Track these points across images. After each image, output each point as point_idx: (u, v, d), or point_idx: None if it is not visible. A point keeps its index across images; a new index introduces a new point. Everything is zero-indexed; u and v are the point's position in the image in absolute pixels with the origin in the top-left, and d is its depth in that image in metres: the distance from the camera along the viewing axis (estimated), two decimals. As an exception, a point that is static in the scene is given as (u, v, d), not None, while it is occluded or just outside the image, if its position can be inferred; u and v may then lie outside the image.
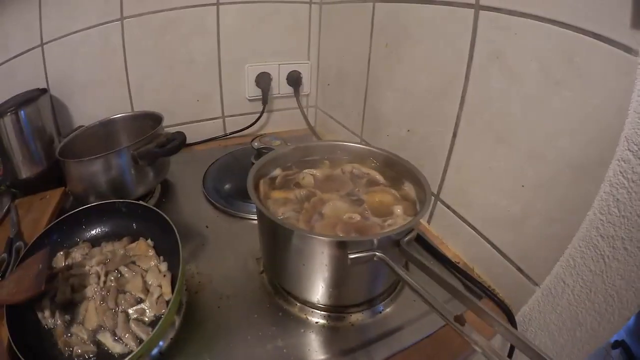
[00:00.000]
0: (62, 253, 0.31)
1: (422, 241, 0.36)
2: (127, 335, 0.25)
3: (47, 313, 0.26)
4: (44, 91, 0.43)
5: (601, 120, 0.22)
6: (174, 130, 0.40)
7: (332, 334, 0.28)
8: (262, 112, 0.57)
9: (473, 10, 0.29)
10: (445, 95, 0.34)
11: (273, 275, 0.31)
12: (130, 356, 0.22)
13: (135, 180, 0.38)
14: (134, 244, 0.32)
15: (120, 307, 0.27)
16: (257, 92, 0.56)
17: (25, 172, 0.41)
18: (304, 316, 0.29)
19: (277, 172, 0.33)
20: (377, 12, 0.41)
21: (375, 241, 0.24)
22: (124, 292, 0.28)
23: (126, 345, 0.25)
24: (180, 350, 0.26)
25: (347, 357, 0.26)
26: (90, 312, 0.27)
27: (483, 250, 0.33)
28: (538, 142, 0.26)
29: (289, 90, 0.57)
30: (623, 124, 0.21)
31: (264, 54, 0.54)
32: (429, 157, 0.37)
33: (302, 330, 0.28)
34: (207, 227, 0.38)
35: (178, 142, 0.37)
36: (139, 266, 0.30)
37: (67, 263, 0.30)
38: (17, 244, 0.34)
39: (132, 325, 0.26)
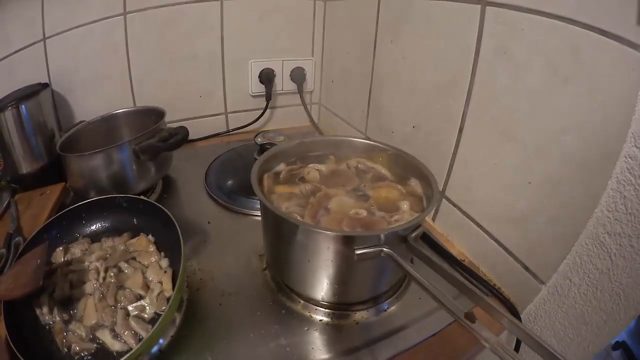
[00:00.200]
0: (61, 248, 0.30)
1: (427, 238, 0.35)
2: (127, 332, 0.25)
3: (45, 309, 0.26)
4: (45, 86, 0.42)
5: (608, 116, 0.22)
6: (177, 126, 0.39)
7: (336, 332, 0.27)
8: (265, 109, 0.56)
9: (480, 5, 0.29)
10: (451, 91, 0.34)
11: (276, 272, 0.31)
12: (129, 354, 0.21)
13: (137, 175, 0.38)
14: (134, 240, 0.31)
15: (119, 304, 0.26)
16: (260, 89, 0.56)
17: (25, 167, 0.40)
18: (308, 314, 0.28)
19: (282, 166, 0.33)
20: (382, 7, 0.41)
21: (383, 237, 0.23)
22: (123, 289, 0.27)
23: (125, 342, 0.24)
24: (181, 348, 0.25)
25: (351, 356, 0.26)
26: (89, 309, 0.26)
27: (488, 247, 0.32)
28: (544, 138, 0.26)
29: (293, 86, 0.57)
30: (630, 121, 0.20)
31: (268, 50, 0.54)
32: (435, 154, 0.36)
33: (306, 329, 0.27)
34: (209, 223, 0.38)
35: (181, 137, 0.37)
36: (139, 262, 0.30)
37: (66, 259, 0.30)
38: (16, 239, 0.33)
39: (132, 322, 0.25)
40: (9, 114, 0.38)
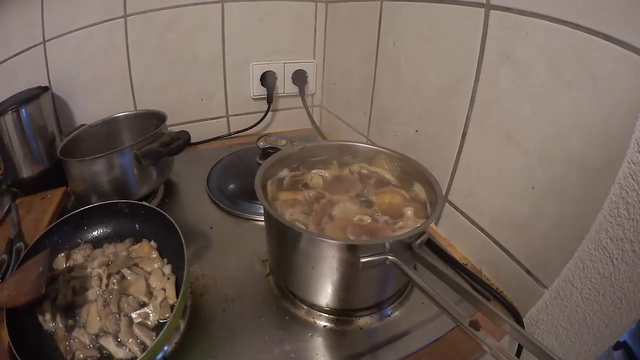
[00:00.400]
0: (63, 254, 0.30)
1: (429, 243, 0.35)
2: (131, 340, 0.24)
3: (47, 316, 0.26)
4: (45, 89, 0.42)
5: (611, 122, 0.22)
6: (178, 129, 0.39)
7: (340, 338, 0.27)
8: (267, 112, 0.56)
9: (484, 9, 0.29)
10: (454, 95, 0.34)
11: (280, 278, 0.31)
12: (134, 362, 0.21)
13: (138, 180, 0.38)
14: (136, 246, 0.31)
15: (123, 311, 0.26)
16: (261, 91, 0.55)
17: (26, 171, 0.40)
18: (312, 320, 0.28)
19: (285, 172, 0.33)
20: (385, 10, 0.41)
21: (388, 245, 0.23)
22: (126, 296, 0.27)
23: (129, 350, 0.24)
24: (185, 355, 0.25)
25: (355, 361, 0.26)
26: (92, 316, 0.26)
27: (491, 252, 0.32)
28: (548, 143, 0.26)
29: (294, 89, 0.57)
30: (633, 126, 0.20)
31: (269, 52, 0.54)
32: (438, 158, 0.36)
33: (310, 334, 0.27)
34: (211, 228, 0.38)
35: (182, 142, 0.37)
36: (142, 268, 0.29)
37: (68, 265, 0.30)
38: (18, 244, 0.33)
39: (136, 329, 0.25)
40: (9, 117, 0.38)
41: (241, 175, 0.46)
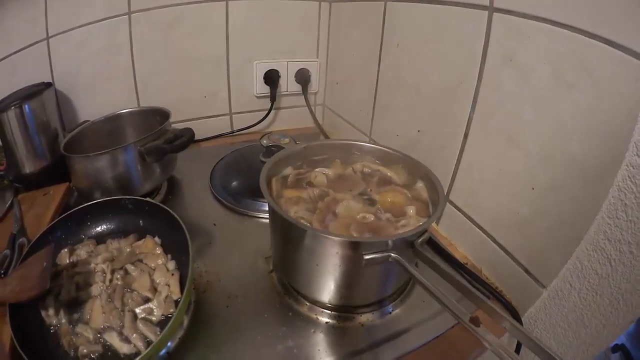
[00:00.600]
0: (66, 250, 0.30)
1: (431, 242, 0.35)
2: (135, 335, 0.25)
3: (51, 311, 0.26)
4: (48, 85, 0.42)
5: (611, 125, 0.22)
6: (181, 127, 0.39)
7: (342, 334, 0.28)
8: (269, 110, 0.56)
9: (487, 12, 0.29)
10: (457, 96, 0.34)
11: (284, 275, 0.31)
12: (139, 358, 0.21)
13: (142, 176, 0.38)
14: (140, 242, 0.31)
15: (127, 306, 0.26)
16: (265, 90, 0.56)
17: (28, 166, 0.40)
18: (314, 316, 0.29)
19: (289, 170, 0.33)
20: (389, 11, 0.41)
21: (390, 242, 0.24)
22: (130, 291, 0.28)
23: (134, 345, 0.24)
24: (189, 351, 0.26)
25: (356, 357, 0.26)
26: (96, 311, 0.26)
27: (491, 251, 0.33)
28: (549, 145, 0.27)
29: (297, 88, 0.57)
30: (633, 130, 0.21)
31: (273, 51, 0.54)
32: (440, 158, 0.37)
33: (312, 331, 0.28)
34: (214, 225, 0.38)
35: (186, 139, 0.37)
36: (146, 264, 0.30)
37: (71, 260, 0.30)
38: (20, 240, 0.33)
39: (140, 325, 0.25)
40: (12, 113, 0.37)
41: (244, 172, 0.46)
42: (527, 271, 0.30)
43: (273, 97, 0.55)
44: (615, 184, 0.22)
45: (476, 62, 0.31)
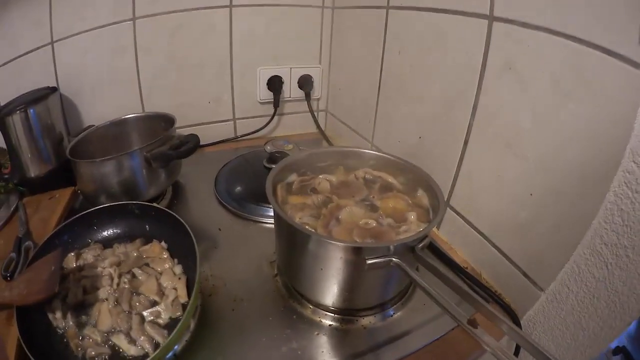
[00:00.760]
0: (73, 254, 0.31)
1: (431, 246, 0.36)
2: (143, 337, 0.25)
3: (58, 314, 0.26)
4: (54, 90, 0.42)
5: (608, 132, 0.23)
6: (185, 132, 0.40)
7: (345, 336, 0.28)
8: (273, 115, 0.57)
9: (487, 21, 0.30)
10: (457, 103, 0.35)
11: (288, 279, 0.32)
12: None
13: (147, 181, 0.38)
14: (147, 246, 0.32)
15: (134, 310, 0.27)
16: (268, 96, 0.56)
17: (33, 170, 0.41)
18: (318, 319, 0.29)
19: (293, 177, 0.33)
20: (391, 18, 0.42)
21: (392, 247, 0.24)
22: (138, 294, 0.28)
23: (141, 347, 0.25)
24: (195, 353, 0.26)
25: (359, 359, 0.27)
26: (104, 314, 0.27)
27: (490, 255, 0.33)
28: (547, 152, 0.27)
29: (300, 93, 0.58)
30: (629, 137, 0.21)
31: (276, 57, 0.54)
32: (440, 164, 0.37)
33: (316, 333, 0.28)
34: (219, 229, 0.38)
35: (192, 145, 0.37)
36: (153, 268, 0.30)
37: (78, 264, 0.30)
38: (26, 243, 0.33)
39: (148, 327, 0.26)
40: (17, 117, 0.38)
41: (248, 178, 0.47)
42: (525, 275, 0.30)
43: (276, 103, 0.56)
44: (612, 189, 0.23)
45: (476, 70, 0.32)
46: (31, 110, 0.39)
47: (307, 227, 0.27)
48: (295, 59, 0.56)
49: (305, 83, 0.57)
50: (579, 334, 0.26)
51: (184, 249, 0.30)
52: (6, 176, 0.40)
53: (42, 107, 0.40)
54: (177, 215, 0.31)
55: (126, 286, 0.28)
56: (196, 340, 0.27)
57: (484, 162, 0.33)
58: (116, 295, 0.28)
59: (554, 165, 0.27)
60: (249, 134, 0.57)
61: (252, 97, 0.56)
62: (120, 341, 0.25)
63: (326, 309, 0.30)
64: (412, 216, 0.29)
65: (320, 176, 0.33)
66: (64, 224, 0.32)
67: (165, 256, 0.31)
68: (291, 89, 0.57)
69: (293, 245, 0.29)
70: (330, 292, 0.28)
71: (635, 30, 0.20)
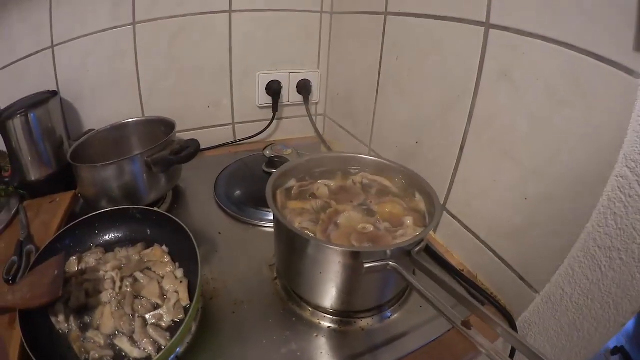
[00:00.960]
0: (75, 258, 0.31)
1: (428, 249, 0.37)
2: (145, 340, 0.26)
3: (61, 318, 0.27)
4: (54, 94, 0.43)
5: (601, 138, 0.23)
6: (184, 135, 0.40)
7: (343, 338, 0.29)
8: (272, 120, 0.57)
9: (483, 28, 0.30)
10: (453, 109, 0.35)
11: (287, 282, 0.32)
12: (151, 363, 0.22)
13: (148, 186, 0.39)
14: (148, 250, 0.32)
15: (137, 313, 0.27)
16: (267, 100, 0.56)
17: (34, 174, 0.41)
18: (317, 321, 0.30)
19: (292, 182, 0.34)
20: (389, 24, 0.42)
21: (389, 252, 0.25)
22: (140, 298, 0.28)
23: (144, 349, 0.25)
24: (197, 355, 0.27)
25: (357, 360, 0.27)
26: (106, 317, 0.27)
27: (486, 258, 0.34)
28: (541, 158, 0.28)
29: (299, 98, 0.58)
30: (622, 143, 0.22)
31: (275, 62, 0.55)
32: (437, 169, 0.38)
33: (315, 335, 0.29)
34: (219, 233, 0.39)
35: (192, 150, 0.38)
36: (154, 272, 0.31)
37: (80, 268, 0.30)
38: (28, 247, 0.34)
39: (150, 330, 0.26)
40: (18, 121, 0.38)
41: (248, 182, 0.47)
42: (521, 277, 0.31)
43: (275, 108, 0.56)
44: (605, 194, 0.23)
45: (472, 76, 0.32)
46: (32, 114, 0.39)
47: (306, 232, 0.28)
48: (294, 63, 0.56)
49: (303, 88, 0.57)
50: (574, 335, 0.26)
51: (185, 253, 0.30)
52: (7, 179, 0.41)
53: (42, 111, 0.40)
54: (178, 220, 0.31)
55: (128, 289, 0.29)
56: (198, 342, 0.28)
57: (480, 166, 0.33)
58: (118, 298, 0.28)
59: (549, 170, 0.27)
60: (248, 138, 0.58)
61: (251, 101, 0.56)
62: (123, 344, 0.26)
63: (325, 311, 0.30)
64: (408, 220, 0.29)
65: (319, 182, 0.34)
66: (65, 228, 0.32)
67: (167, 260, 0.31)
68: (290, 94, 0.57)
69: (292, 250, 0.29)
70: (329, 295, 0.28)
71: (629, 38, 0.21)
